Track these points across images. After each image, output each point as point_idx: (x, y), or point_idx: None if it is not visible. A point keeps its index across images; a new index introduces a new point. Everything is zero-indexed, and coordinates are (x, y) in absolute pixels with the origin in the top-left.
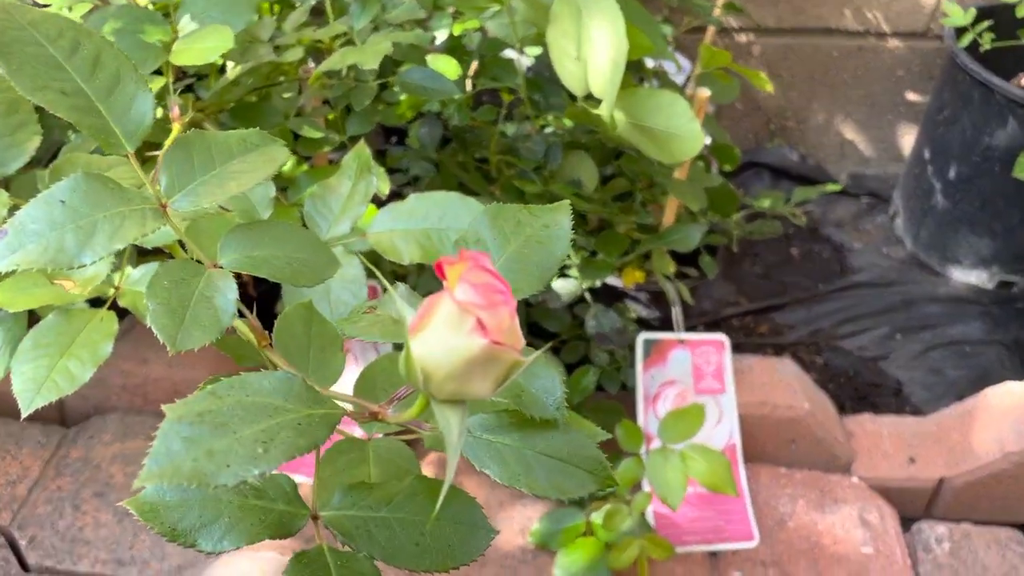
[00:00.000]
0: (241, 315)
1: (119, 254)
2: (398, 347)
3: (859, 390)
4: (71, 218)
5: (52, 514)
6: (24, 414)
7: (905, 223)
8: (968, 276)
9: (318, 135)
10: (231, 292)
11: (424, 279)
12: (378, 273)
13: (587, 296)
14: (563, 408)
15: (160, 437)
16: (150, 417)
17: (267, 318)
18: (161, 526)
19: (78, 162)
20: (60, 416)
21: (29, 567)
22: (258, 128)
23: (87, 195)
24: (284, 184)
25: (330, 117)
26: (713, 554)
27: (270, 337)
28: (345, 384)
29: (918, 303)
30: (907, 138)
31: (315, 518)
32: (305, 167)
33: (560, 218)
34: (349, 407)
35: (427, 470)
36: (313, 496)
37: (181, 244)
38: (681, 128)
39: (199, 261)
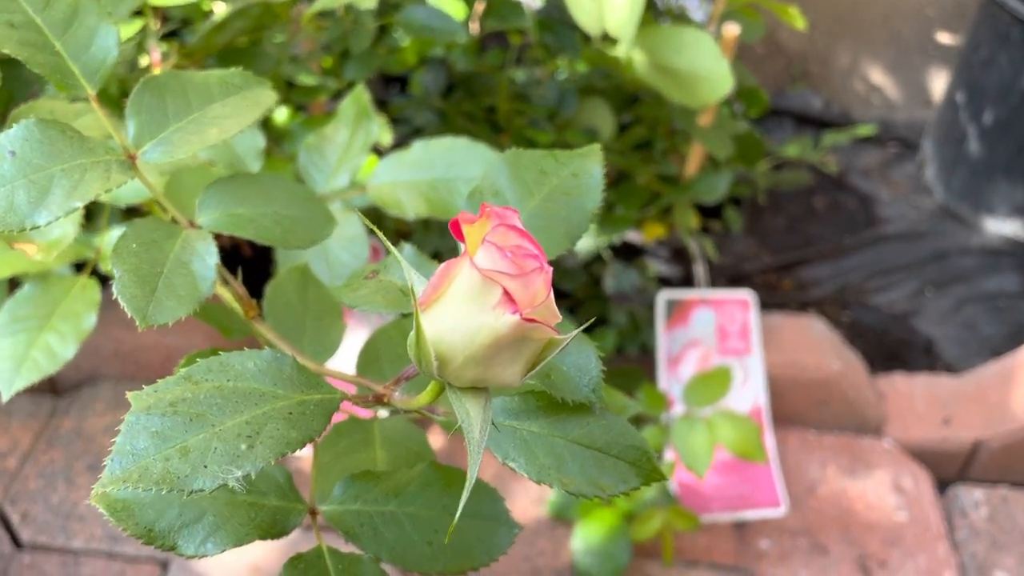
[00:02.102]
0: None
1: (99, 214)
2: (407, 314)
3: (888, 347)
4: (22, 171)
5: (45, 488)
6: (5, 397)
7: (936, 171)
8: (1003, 227)
9: (313, 82)
10: (211, 256)
11: (430, 236)
12: (377, 231)
13: (604, 253)
14: (600, 389)
15: (124, 432)
16: (144, 385)
17: (265, 282)
18: (135, 527)
19: (40, 110)
20: (50, 384)
21: (22, 544)
22: (241, 68)
23: (42, 145)
24: (278, 136)
25: (326, 64)
26: (740, 525)
27: (260, 306)
28: (345, 353)
29: (949, 256)
30: (937, 81)
31: (313, 513)
32: (301, 118)
33: (590, 166)
34: (352, 388)
35: (432, 442)
36: (311, 487)
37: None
38: (707, 68)
39: (176, 221)
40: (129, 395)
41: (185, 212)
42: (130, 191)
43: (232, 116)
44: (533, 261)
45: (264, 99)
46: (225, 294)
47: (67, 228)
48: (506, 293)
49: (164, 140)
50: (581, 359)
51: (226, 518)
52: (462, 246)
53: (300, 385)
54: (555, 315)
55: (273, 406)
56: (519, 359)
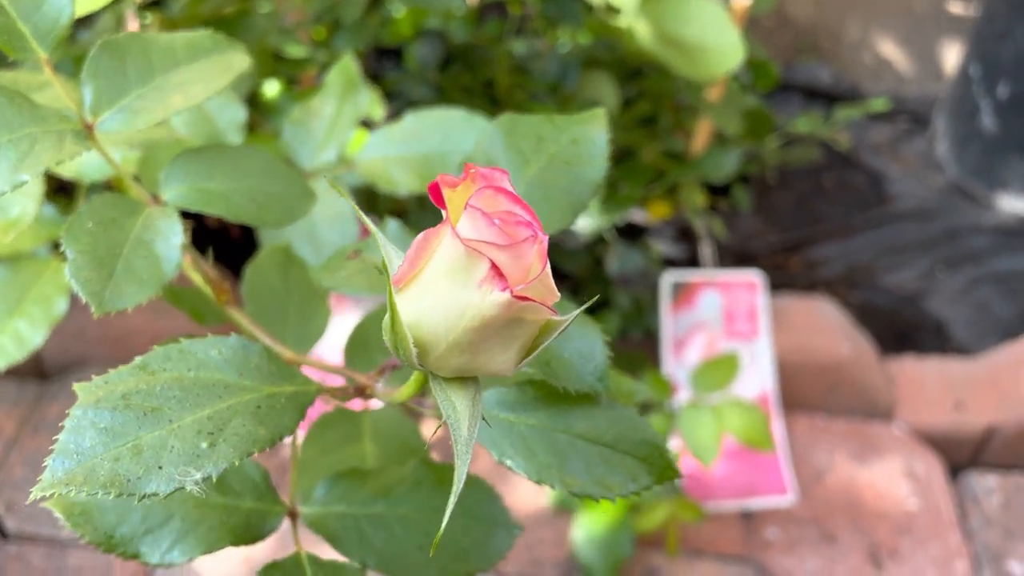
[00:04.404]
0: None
1: (74, 192)
2: None
3: (898, 329)
4: None
5: (31, 477)
6: None
7: (948, 147)
8: (1016, 205)
9: (302, 54)
10: (175, 235)
11: (427, 216)
12: (354, 205)
13: (607, 233)
14: (606, 378)
15: (69, 429)
16: None
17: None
18: (94, 532)
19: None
20: (37, 370)
21: (8, 533)
22: (210, 30)
23: None
24: (268, 111)
25: (318, 36)
26: (747, 514)
27: (239, 289)
28: (341, 339)
29: (961, 234)
30: (950, 54)
31: (292, 516)
32: (293, 92)
33: (592, 131)
34: (335, 379)
35: (428, 434)
36: (291, 486)
37: (136, 179)
38: (717, 39)
39: (139, 197)
40: (76, 386)
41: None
42: (95, 167)
43: (199, 81)
44: (525, 229)
45: (236, 63)
46: (196, 277)
47: (27, 206)
48: (494, 267)
49: (124, 108)
50: (584, 344)
51: (196, 522)
52: (444, 213)
53: (270, 376)
54: (553, 293)
55: (239, 399)
56: (512, 344)
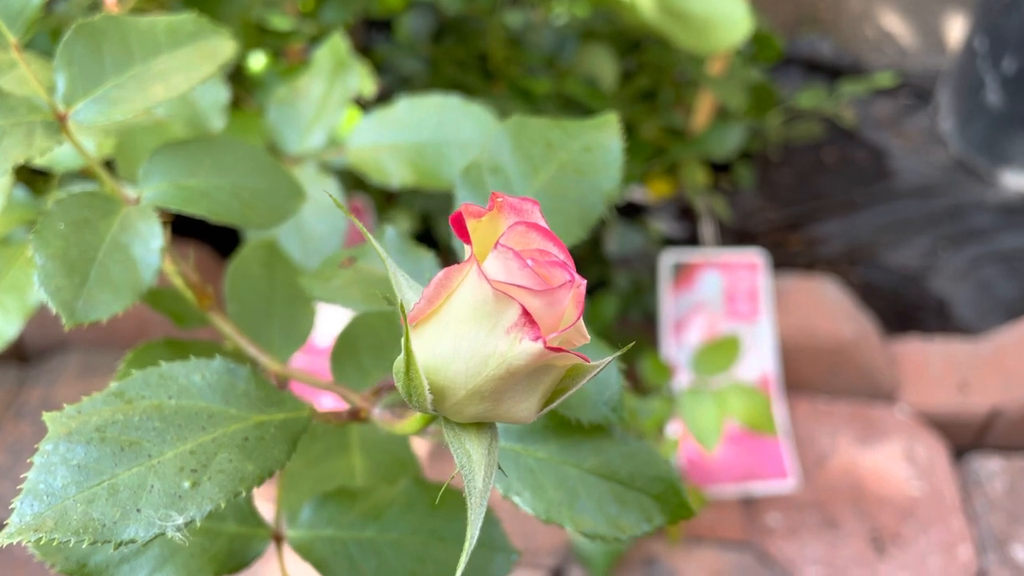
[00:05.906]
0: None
1: (48, 177)
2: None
3: (900, 308)
4: None
5: (14, 464)
6: None
7: (951, 122)
8: (1021, 181)
9: (287, 26)
10: (155, 238)
11: (418, 198)
12: (350, 215)
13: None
14: (620, 408)
15: (38, 466)
16: (116, 353)
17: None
18: (65, 562)
19: None
20: (18, 353)
21: None
22: (196, 14)
23: None
24: (253, 86)
25: (305, 8)
26: (748, 500)
27: (212, 296)
28: (324, 325)
29: (964, 211)
30: (954, 27)
31: (278, 540)
32: (281, 66)
33: (605, 139)
34: (324, 401)
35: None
36: (276, 507)
37: (110, 167)
38: (723, 11)
39: (114, 195)
40: (45, 416)
41: (135, 180)
42: (69, 156)
43: (182, 70)
44: (561, 272)
45: (221, 50)
46: (178, 281)
47: None
48: (525, 313)
49: (100, 98)
50: (599, 373)
51: (175, 549)
52: (467, 248)
53: (259, 402)
54: (583, 336)
55: (225, 430)
56: (536, 391)
